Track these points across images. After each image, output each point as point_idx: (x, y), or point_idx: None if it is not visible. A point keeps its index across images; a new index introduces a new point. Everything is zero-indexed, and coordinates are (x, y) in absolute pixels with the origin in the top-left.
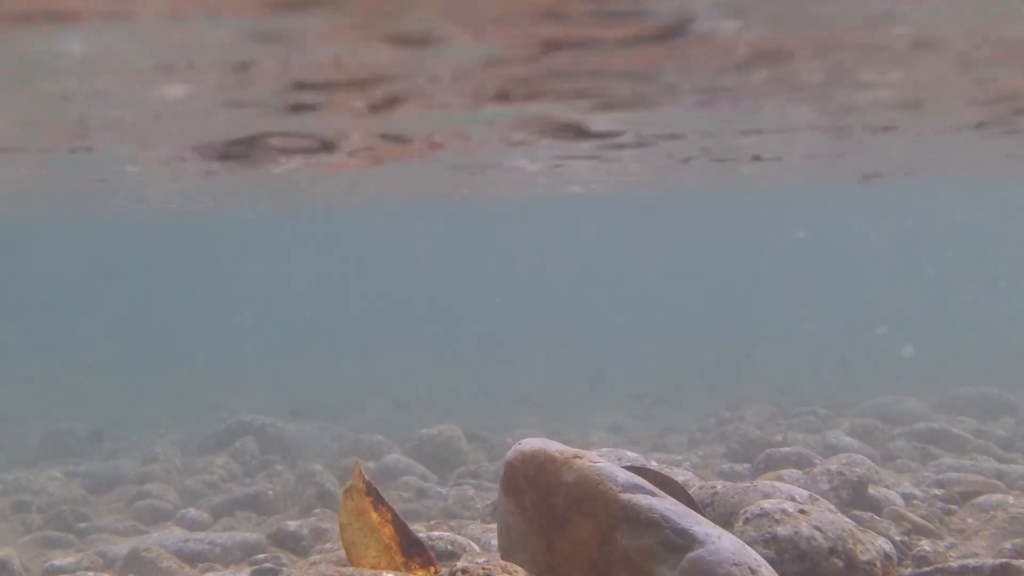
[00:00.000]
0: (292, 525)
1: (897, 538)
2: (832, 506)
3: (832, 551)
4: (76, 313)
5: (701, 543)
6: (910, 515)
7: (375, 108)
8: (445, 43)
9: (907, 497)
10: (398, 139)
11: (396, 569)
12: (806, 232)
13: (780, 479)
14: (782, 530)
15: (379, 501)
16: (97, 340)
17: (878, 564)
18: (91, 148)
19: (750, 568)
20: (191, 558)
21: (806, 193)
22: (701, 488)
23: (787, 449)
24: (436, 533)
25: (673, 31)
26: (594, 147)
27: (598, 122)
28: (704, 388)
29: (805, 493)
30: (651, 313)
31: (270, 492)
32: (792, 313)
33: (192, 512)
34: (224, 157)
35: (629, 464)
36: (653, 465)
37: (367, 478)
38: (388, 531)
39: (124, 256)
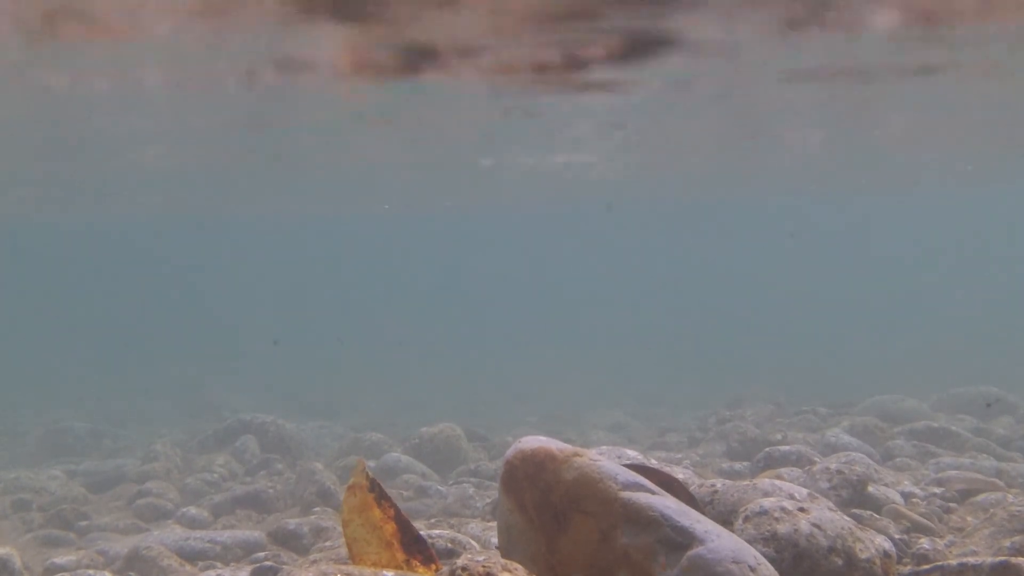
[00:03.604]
0: (292, 523)
1: (897, 536)
2: (832, 504)
3: (832, 549)
4: (76, 312)
5: (701, 541)
6: (909, 513)
7: None
8: None
9: (907, 495)
10: None
11: (397, 566)
12: (807, 233)
13: (780, 477)
14: (782, 528)
15: (382, 498)
16: (97, 339)
17: (877, 562)
18: None
19: (749, 566)
20: (191, 556)
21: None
22: (701, 486)
23: (787, 448)
24: (436, 531)
25: None
26: None
27: None
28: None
29: (805, 491)
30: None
31: (270, 490)
32: (791, 311)
33: (192, 510)
34: None
35: (629, 462)
36: (653, 463)
37: (370, 475)
38: (390, 528)
39: (124, 255)
